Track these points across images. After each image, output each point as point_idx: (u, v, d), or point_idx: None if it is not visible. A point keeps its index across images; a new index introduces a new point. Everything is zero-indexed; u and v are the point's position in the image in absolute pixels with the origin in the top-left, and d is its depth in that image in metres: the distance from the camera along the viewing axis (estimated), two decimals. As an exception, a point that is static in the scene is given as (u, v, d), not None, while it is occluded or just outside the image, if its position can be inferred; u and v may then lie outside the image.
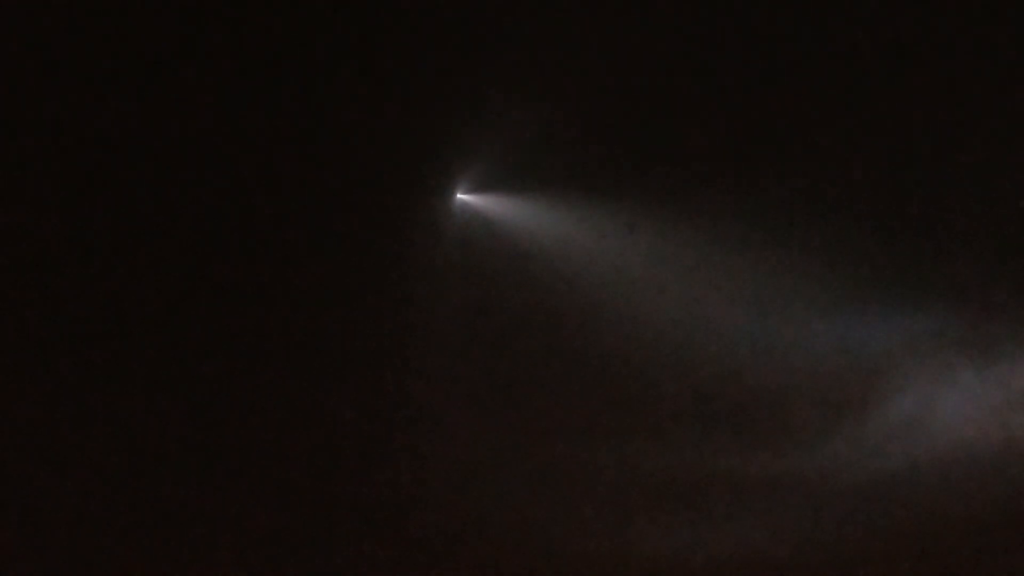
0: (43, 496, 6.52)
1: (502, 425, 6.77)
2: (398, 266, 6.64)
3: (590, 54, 6.47)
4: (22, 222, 6.39)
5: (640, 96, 6.53)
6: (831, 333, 6.73)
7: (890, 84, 6.50)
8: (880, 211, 6.62)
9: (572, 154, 6.57)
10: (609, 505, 6.78)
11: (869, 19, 6.38)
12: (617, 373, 6.75)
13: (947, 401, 6.75)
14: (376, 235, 6.62)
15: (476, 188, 6.54)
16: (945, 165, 6.54)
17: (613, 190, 6.58)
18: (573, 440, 6.78)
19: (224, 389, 6.65)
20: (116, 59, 6.36)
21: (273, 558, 6.63)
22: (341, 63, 6.49)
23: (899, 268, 6.66)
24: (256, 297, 6.67)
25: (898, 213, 6.60)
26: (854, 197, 6.59)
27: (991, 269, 6.55)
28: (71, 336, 6.54)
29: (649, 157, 6.60)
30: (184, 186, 6.53)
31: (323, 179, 6.62)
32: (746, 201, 6.60)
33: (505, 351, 6.75)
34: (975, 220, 6.52)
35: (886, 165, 6.59)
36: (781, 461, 6.76)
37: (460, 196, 6.55)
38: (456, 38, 6.42)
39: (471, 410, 6.76)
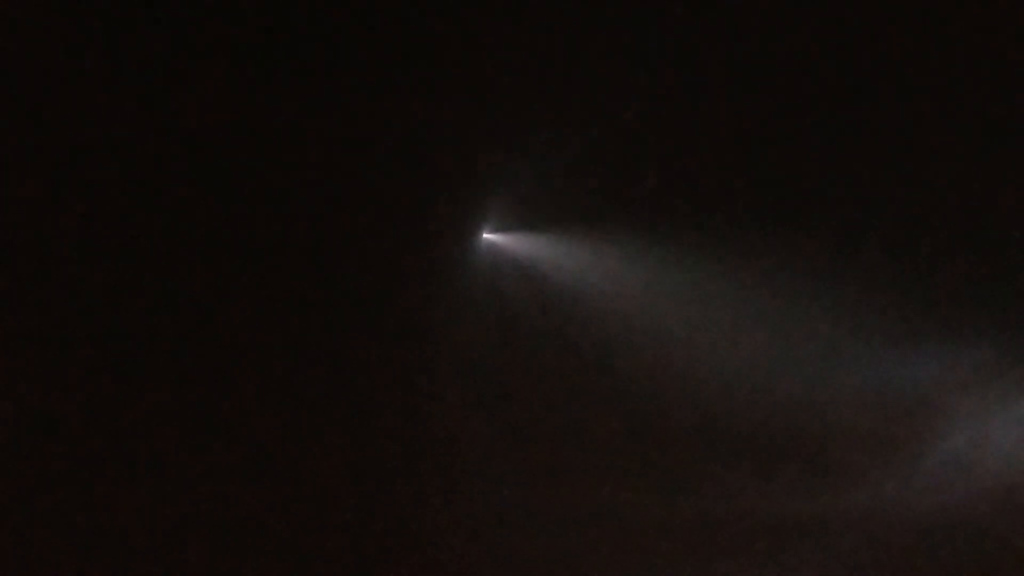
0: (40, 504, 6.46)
1: (533, 467, 6.66)
2: (425, 307, 6.57)
3: (618, 92, 6.38)
4: (32, 222, 6.34)
5: (669, 133, 6.43)
6: (880, 369, 6.59)
7: (941, 117, 6.37)
8: (927, 243, 6.48)
9: (600, 192, 6.51)
10: (649, 550, 6.66)
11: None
12: (655, 415, 6.62)
13: (1001, 436, 6.58)
14: (402, 277, 6.56)
15: (503, 227, 6.48)
16: (993, 198, 6.40)
17: (643, 228, 6.48)
18: (607, 482, 6.66)
19: (250, 433, 6.56)
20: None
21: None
22: (367, 103, 6.42)
23: (948, 301, 6.50)
24: (282, 342, 6.57)
25: (945, 246, 6.46)
26: (900, 231, 6.46)
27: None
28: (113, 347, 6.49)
29: (680, 194, 6.51)
30: (205, 223, 6.48)
31: (348, 221, 6.55)
32: (786, 238, 6.47)
33: (536, 392, 6.65)
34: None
35: (935, 196, 6.44)
36: (832, 501, 6.62)
37: (487, 236, 6.49)
38: (482, 78, 6.36)
39: (502, 452, 6.65)
